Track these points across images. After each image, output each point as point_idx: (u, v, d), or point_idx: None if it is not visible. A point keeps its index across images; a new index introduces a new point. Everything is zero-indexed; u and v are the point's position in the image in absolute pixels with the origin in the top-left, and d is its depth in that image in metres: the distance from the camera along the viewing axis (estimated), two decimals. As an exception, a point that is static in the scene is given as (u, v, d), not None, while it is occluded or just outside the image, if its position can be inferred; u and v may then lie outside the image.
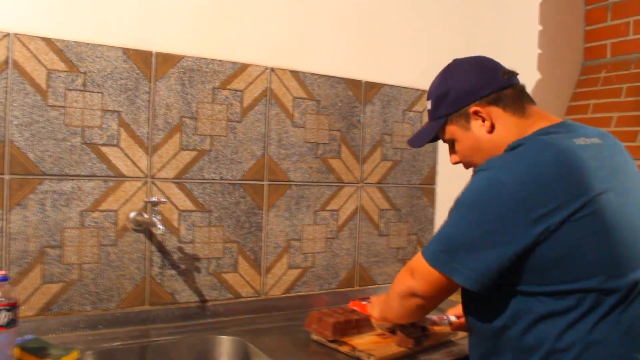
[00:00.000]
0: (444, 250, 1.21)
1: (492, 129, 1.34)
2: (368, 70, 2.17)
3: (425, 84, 2.29)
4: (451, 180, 2.40)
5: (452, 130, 1.40)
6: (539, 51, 2.83)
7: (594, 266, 1.14)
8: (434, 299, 1.28)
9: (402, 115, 2.25)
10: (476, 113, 1.34)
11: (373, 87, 2.17)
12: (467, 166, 1.46)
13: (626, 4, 2.82)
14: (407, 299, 1.31)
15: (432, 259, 1.22)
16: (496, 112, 1.33)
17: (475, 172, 1.24)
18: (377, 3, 2.20)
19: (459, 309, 1.78)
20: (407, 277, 1.30)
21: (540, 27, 2.83)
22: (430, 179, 2.34)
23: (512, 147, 1.24)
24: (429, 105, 1.46)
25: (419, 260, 1.26)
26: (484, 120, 1.34)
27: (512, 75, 1.37)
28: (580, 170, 1.16)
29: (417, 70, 2.31)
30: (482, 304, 1.26)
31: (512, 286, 1.18)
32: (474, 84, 1.35)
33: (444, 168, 2.38)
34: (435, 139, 1.48)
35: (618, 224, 1.16)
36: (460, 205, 1.22)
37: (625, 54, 2.83)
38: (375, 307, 1.58)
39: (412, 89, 2.28)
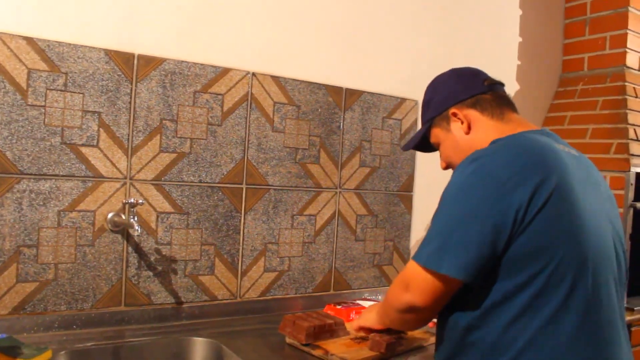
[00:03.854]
0: (438, 248, 1.18)
1: (469, 129, 1.42)
2: (349, 77, 2.19)
3: (406, 92, 2.35)
4: (429, 188, 2.43)
5: (436, 132, 1.51)
6: (519, 62, 2.87)
7: (564, 264, 1.15)
8: (434, 309, 1.24)
9: (381, 122, 2.28)
10: (455, 115, 1.44)
11: (353, 94, 2.19)
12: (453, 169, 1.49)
13: (603, 19, 2.89)
14: (406, 314, 1.27)
15: (428, 261, 1.19)
16: (474, 115, 1.42)
17: (458, 166, 1.26)
18: (359, 11, 2.23)
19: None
20: (402, 292, 1.25)
21: (520, 39, 2.87)
22: (408, 186, 2.37)
23: (494, 143, 1.30)
24: (419, 115, 1.62)
25: (412, 270, 1.23)
26: (462, 122, 1.43)
27: (494, 83, 1.46)
28: (560, 163, 1.21)
29: (397, 78, 2.34)
30: (455, 303, 1.25)
31: (489, 281, 1.19)
32: (453, 89, 1.47)
33: (422, 176, 2.41)
34: (428, 147, 1.60)
35: (589, 226, 1.20)
36: (447, 199, 1.23)
37: (601, 68, 2.89)
38: (372, 313, 1.59)
39: (392, 96, 2.31)
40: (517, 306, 1.17)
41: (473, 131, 1.41)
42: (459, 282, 1.18)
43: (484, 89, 1.43)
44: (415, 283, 1.22)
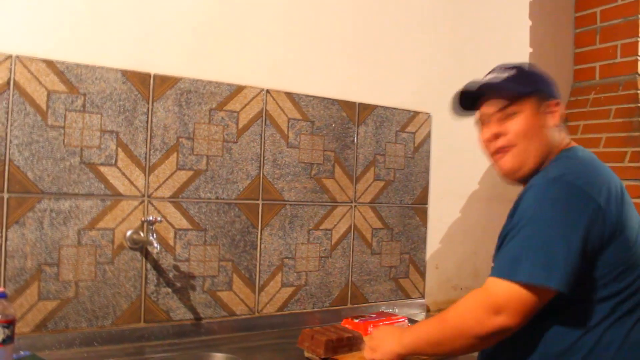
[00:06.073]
0: (543, 263, 1.17)
1: (555, 126, 1.39)
2: (361, 92, 2.21)
3: (418, 105, 2.36)
4: (443, 201, 2.44)
5: (526, 107, 1.37)
6: (530, 73, 2.87)
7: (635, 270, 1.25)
8: (521, 326, 1.22)
9: (394, 136, 2.29)
10: (557, 105, 1.41)
11: (366, 109, 2.21)
12: (503, 147, 1.40)
13: (614, 27, 2.89)
14: (491, 338, 1.22)
15: (533, 277, 1.17)
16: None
17: (537, 183, 1.27)
18: (370, 27, 2.25)
19: None
20: (491, 316, 1.20)
21: (530, 49, 2.88)
22: (422, 199, 2.38)
23: (559, 158, 1.35)
24: (503, 74, 1.43)
25: (506, 292, 1.19)
26: (553, 116, 1.40)
27: None
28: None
29: (409, 91, 2.36)
30: (549, 322, 1.28)
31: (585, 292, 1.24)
32: (553, 86, 1.45)
33: (436, 188, 2.42)
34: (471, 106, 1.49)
35: None
36: (537, 215, 1.22)
37: (613, 77, 2.89)
38: (389, 342, 1.42)
39: (404, 110, 2.32)
40: (608, 311, 1.24)
41: (556, 129, 1.39)
42: (553, 294, 1.18)
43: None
44: (511, 305, 1.18)
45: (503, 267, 1.22)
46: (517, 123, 1.37)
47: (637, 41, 2.79)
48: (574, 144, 1.43)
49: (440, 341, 1.30)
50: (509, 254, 1.23)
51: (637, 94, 2.72)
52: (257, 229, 1.95)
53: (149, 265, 1.76)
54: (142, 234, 1.71)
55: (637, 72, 2.79)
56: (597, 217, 1.19)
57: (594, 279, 1.23)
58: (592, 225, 1.19)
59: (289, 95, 2.02)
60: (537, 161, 1.38)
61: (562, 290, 1.16)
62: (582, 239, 1.18)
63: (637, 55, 2.79)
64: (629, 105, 2.73)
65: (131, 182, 1.72)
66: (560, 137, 1.41)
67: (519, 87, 1.38)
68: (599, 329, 1.23)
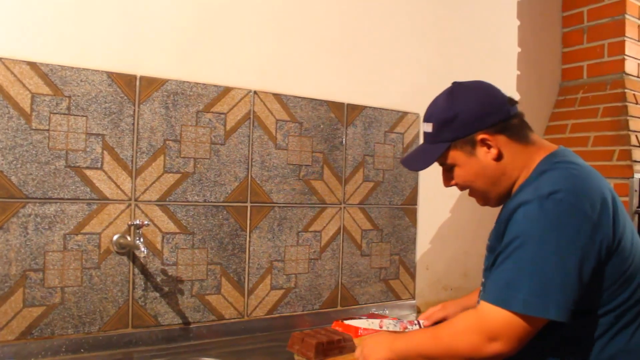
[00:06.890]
0: (539, 292, 1.14)
1: (497, 157, 1.35)
2: (350, 93, 2.20)
3: (407, 106, 2.35)
4: (432, 201, 2.43)
5: (455, 155, 1.40)
6: (518, 72, 2.88)
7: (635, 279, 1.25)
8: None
9: (383, 137, 2.28)
10: (483, 141, 1.35)
11: (355, 109, 2.20)
12: (463, 189, 1.47)
13: (601, 26, 2.90)
14: None
15: (529, 308, 1.14)
16: (503, 140, 1.36)
17: (526, 200, 1.22)
18: (358, 27, 2.24)
19: (427, 313, 1.84)
20: (486, 343, 1.18)
21: (519, 49, 2.88)
22: (411, 200, 2.37)
23: (543, 171, 1.29)
24: (428, 127, 1.43)
25: (501, 320, 1.17)
26: (489, 148, 1.35)
27: (515, 103, 1.41)
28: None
29: (398, 92, 2.35)
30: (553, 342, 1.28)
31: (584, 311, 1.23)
32: (482, 111, 1.36)
33: (426, 188, 2.41)
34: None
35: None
36: (531, 237, 1.18)
37: (601, 75, 2.90)
38: (380, 349, 1.43)
39: (393, 110, 2.31)
40: (609, 324, 1.24)
41: (503, 157, 1.36)
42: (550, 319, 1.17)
43: (510, 111, 1.38)
44: (507, 332, 1.16)
45: (497, 292, 1.19)
46: (457, 174, 1.43)
47: (624, 40, 2.81)
48: (553, 146, 1.39)
49: (431, 356, 1.29)
50: (502, 278, 1.20)
51: (625, 92, 2.73)
52: (246, 232, 1.94)
53: (136, 270, 1.73)
54: (129, 238, 1.69)
55: (624, 71, 2.80)
56: (592, 236, 1.16)
57: (594, 295, 1.21)
58: (589, 245, 1.16)
59: (277, 96, 2.00)
60: (504, 187, 1.39)
61: (560, 320, 1.14)
62: (579, 262, 1.15)
63: (624, 54, 2.81)
64: (617, 104, 2.74)
65: (117, 186, 1.70)
66: (513, 160, 1.36)
67: (436, 145, 1.41)
68: (600, 342, 1.22)
